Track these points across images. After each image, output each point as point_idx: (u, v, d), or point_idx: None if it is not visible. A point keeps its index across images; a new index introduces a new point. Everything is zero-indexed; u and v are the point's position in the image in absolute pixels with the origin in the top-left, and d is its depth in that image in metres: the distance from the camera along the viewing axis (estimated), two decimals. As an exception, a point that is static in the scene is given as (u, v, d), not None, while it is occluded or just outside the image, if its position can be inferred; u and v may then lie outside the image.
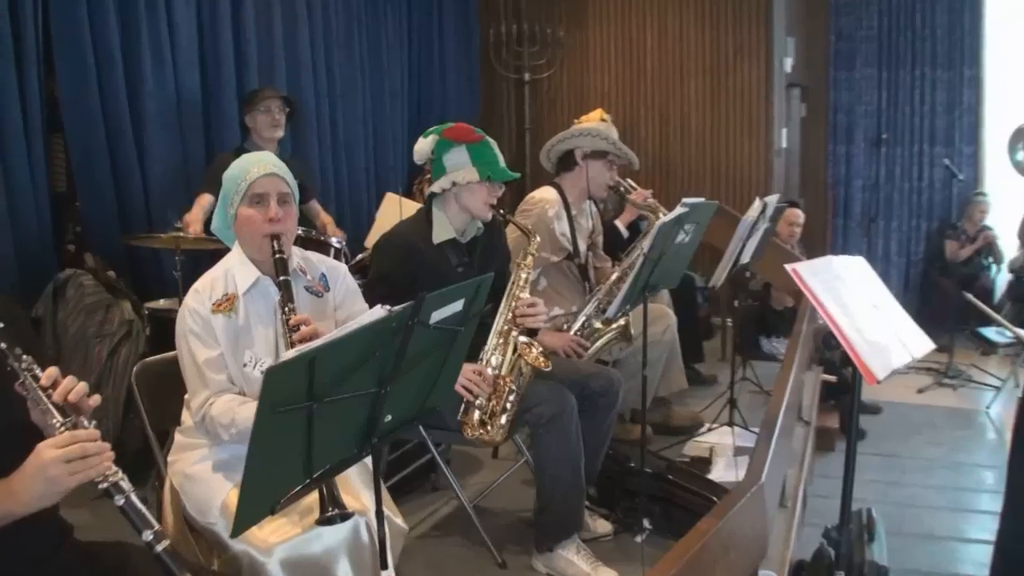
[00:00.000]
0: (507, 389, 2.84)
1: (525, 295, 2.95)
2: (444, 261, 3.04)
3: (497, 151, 3.02)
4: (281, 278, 2.27)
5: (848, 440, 2.45)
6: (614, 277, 3.83)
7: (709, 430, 4.23)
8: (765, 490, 2.45)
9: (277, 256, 2.30)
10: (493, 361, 2.90)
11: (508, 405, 2.85)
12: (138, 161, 4.39)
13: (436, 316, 1.70)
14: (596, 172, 3.89)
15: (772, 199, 4.03)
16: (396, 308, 1.60)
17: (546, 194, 3.88)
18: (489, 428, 2.86)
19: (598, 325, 3.81)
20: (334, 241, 3.90)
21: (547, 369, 2.86)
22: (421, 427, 3.08)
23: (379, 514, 1.91)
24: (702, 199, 2.93)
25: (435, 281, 3.01)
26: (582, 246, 3.95)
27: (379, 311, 1.58)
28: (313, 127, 5.50)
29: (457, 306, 1.76)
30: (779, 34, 6.75)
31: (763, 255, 4.69)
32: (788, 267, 2.08)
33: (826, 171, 7.78)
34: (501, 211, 3.05)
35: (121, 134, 4.31)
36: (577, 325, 3.81)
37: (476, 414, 2.87)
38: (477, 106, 7.30)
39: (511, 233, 3.77)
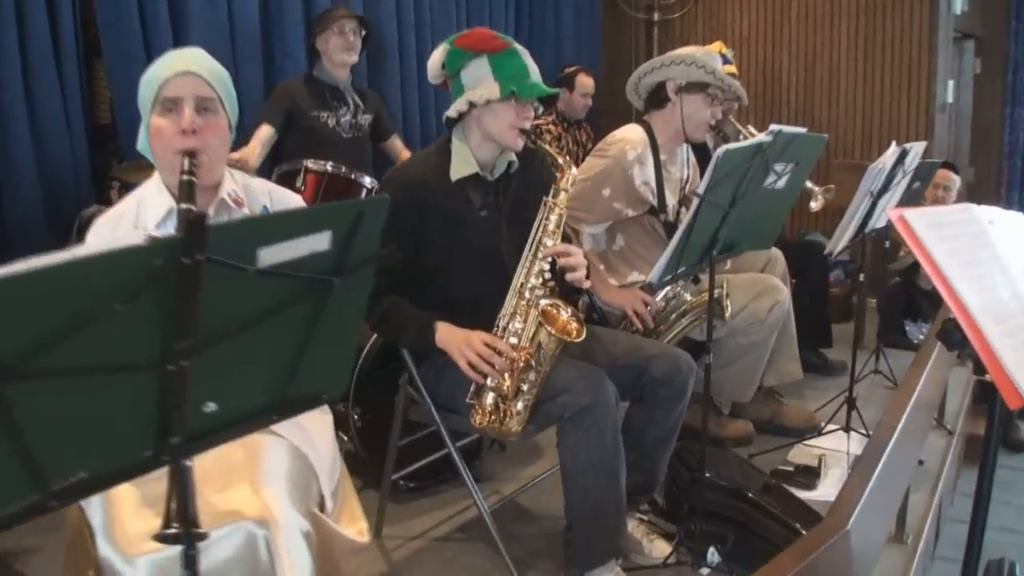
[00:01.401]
0: (523, 365, 2.18)
1: (551, 242, 2.27)
2: (462, 203, 2.40)
3: (528, 61, 2.35)
4: (182, 206, 1.68)
5: (983, 464, 1.68)
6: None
7: (822, 432, 3.42)
8: (852, 538, 1.72)
9: (184, 178, 1.72)
10: (512, 329, 2.24)
11: (524, 387, 2.19)
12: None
13: (268, 255, 1.07)
14: (693, 109, 3.14)
15: (917, 147, 3.15)
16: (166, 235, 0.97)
17: (629, 133, 3.16)
18: (503, 416, 2.21)
19: (688, 296, 3.09)
20: (366, 181, 3.32)
21: (578, 340, 2.18)
22: (433, 409, 2.46)
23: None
24: (803, 129, 2.14)
25: (450, 228, 2.39)
26: (671, 199, 3.21)
27: (137, 236, 0.96)
28: (395, 62, 4.91)
29: (316, 242, 1.12)
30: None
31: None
32: (891, 212, 1.32)
33: (1001, 137, 6.66)
34: (532, 136, 2.36)
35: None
36: (661, 295, 3.09)
37: (489, 397, 2.23)
38: (597, 49, 6.53)
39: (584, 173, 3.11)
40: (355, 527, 1.95)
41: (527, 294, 2.24)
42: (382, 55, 4.76)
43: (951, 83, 6.04)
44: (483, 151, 2.41)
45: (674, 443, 2.58)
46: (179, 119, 1.78)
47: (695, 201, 2.02)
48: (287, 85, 3.89)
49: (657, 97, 3.20)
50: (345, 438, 3.03)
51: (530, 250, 2.27)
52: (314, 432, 1.93)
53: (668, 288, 3.08)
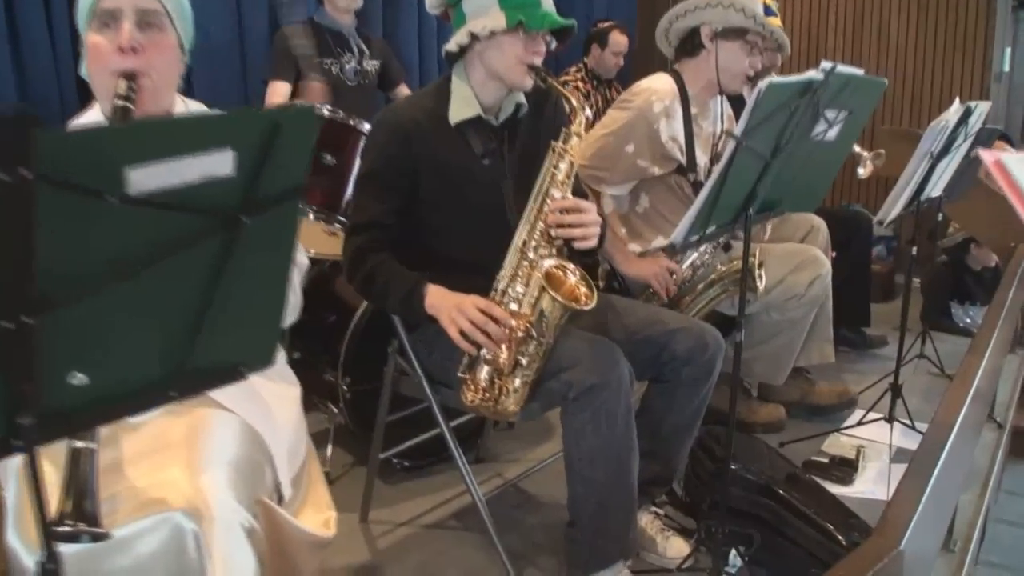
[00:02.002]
0: (523, 335, 1.89)
1: (559, 194, 1.97)
2: (462, 150, 2.10)
3: None
4: None
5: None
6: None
7: (861, 422, 3.10)
8: (906, 558, 1.43)
9: (118, 103, 1.44)
10: (511, 294, 1.95)
11: (524, 359, 1.90)
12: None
13: (142, 178, 0.78)
14: (729, 57, 2.80)
15: (982, 106, 2.80)
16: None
17: (657, 83, 2.84)
18: (499, 393, 1.93)
19: (718, 265, 2.79)
20: (367, 127, 3.02)
21: (587, 308, 1.89)
22: (424, 382, 2.19)
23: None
24: (860, 71, 1.81)
25: (447, 178, 2.09)
26: (701, 157, 2.88)
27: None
28: (413, 8, 4.58)
29: (214, 164, 0.83)
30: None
31: (964, 192, 3.46)
32: (985, 154, 1.02)
33: (1061, 112, 6.18)
34: (543, 75, 2.05)
35: None
36: (688, 263, 2.79)
37: (484, 371, 1.94)
38: (634, 4, 6.12)
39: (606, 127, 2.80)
40: (320, 518, 1.69)
41: (530, 254, 1.95)
42: (397, 1, 4.44)
43: (1008, 51, 5.61)
44: (487, 91, 2.11)
45: (696, 430, 2.29)
46: (117, 35, 1.50)
47: (730, 145, 1.69)
48: (285, 32, 3.60)
49: (690, 44, 2.86)
50: (335, 410, 2.77)
51: (535, 203, 1.97)
52: (275, 407, 1.66)
53: (695, 255, 2.78)
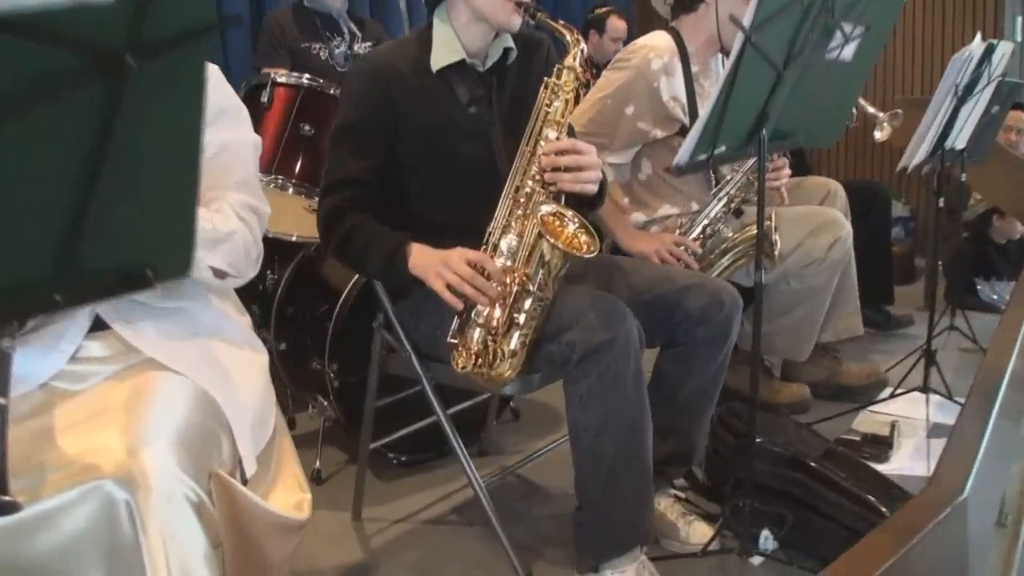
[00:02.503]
0: (518, 289, 1.69)
1: (554, 135, 1.77)
2: (445, 97, 1.91)
3: None
4: None
5: None
6: (751, 161, 2.56)
7: (893, 395, 2.88)
8: (970, 507, 1.22)
9: None
10: (504, 246, 1.75)
11: (520, 317, 1.70)
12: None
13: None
14: (731, 9, 2.60)
15: (1004, 46, 2.58)
16: None
17: (653, 39, 2.64)
18: (492, 358, 1.72)
19: (729, 233, 2.59)
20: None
21: (589, 255, 1.69)
22: (414, 358, 1.99)
23: None
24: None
25: (429, 129, 1.90)
26: (707, 118, 2.68)
27: None
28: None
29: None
30: None
31: (985, 154, 3.25)
32: None
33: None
34: (532, 10, 1.86)
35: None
36: (696, 231, 2.59)
37: (476, 333, 1.73)
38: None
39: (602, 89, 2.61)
40: (292, 499, 1.48)
41: (523, 200, 1.75)
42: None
43: (1020, 20, 5.43)
44: (471, 34, 1.92)
45: (715, 399, 2.07)
46: None
47: (737, 40, 1.49)
48: (272, 17, 3.44)
49: None
50: (324, 402, 2.57)
51: (527, 144, 1.77)
52: (237, 373, 1.46)
53: (706, 222, 2.58)
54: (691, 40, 2.66)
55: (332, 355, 2.44)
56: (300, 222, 2.67)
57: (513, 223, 1.74)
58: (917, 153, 2.48)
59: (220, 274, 1.41)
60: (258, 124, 2.55)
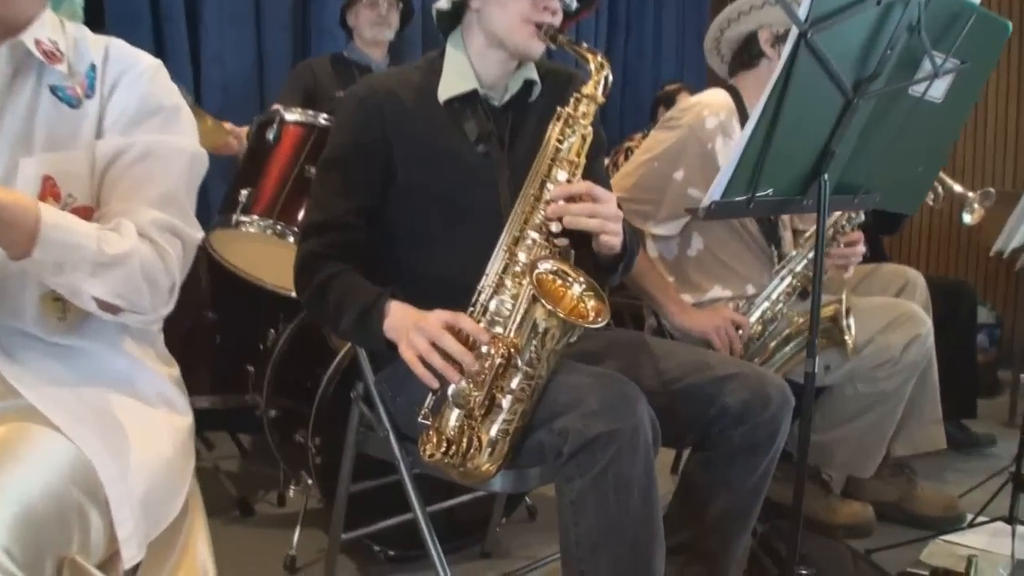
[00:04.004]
0: (504, 363, 1.36)
1: (565, 176, 1.47)
2: (451, 132, 1.63)
3: None
4: None
5: None
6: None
7: (972, 524, 2.45)
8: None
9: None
10: (494, 308, 1.43)
11: (504, 400, 1.37)
12: (191, 63, 3.32)
13: None
14: (798, 67, 2.30)
15: None
16: None
17: (709, 97, 2.36)
18: (466, 446, 1.39)
19: (796, 318, 2.25)
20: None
21: (595, 326, 1.36)
22: (394, 440, 1.67)
23: None
24: None
25: (429, 167, 1.61)
26: (769, 189, 2.36)
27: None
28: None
29: None
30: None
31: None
32: None
33: None
34: (554, 34, 1.58)
35: (171, 25, 3.25)
36: (756, 315, 2.26)
37: (453, 415, 1.41)
38: (704, 70, 5.68)
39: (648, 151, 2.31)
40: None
41: (522, 256, 1.44)
42: (430, 33, 4.05)
43: None
44: (487, 62, 1.66)
45: (754, 517, 1.71)
46: None
47: (790, 36, 1.16)
48: (309, 63, 3.28)
49: (747, 53, 2.38)
50: (309, 481, 2.26)
51: (532, 186, 1.47)
52: (138, 436, 1.17)
53: (767, 304, 2.25)
54: (751, 98, 2.36)
55: (317, 428, 2.14)
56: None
57: (508, 281, 1.43)
58: (1017, 234, 2.10)
59: (109, 307, 1.13)
60: (262, 164, 2.30)
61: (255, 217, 2.24)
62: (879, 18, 1.16)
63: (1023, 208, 2.17)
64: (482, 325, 1.41)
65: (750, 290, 2.33)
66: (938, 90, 1.32)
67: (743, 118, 2.32)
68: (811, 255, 2.23)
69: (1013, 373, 4.17)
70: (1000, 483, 2.47)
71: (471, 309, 1.45)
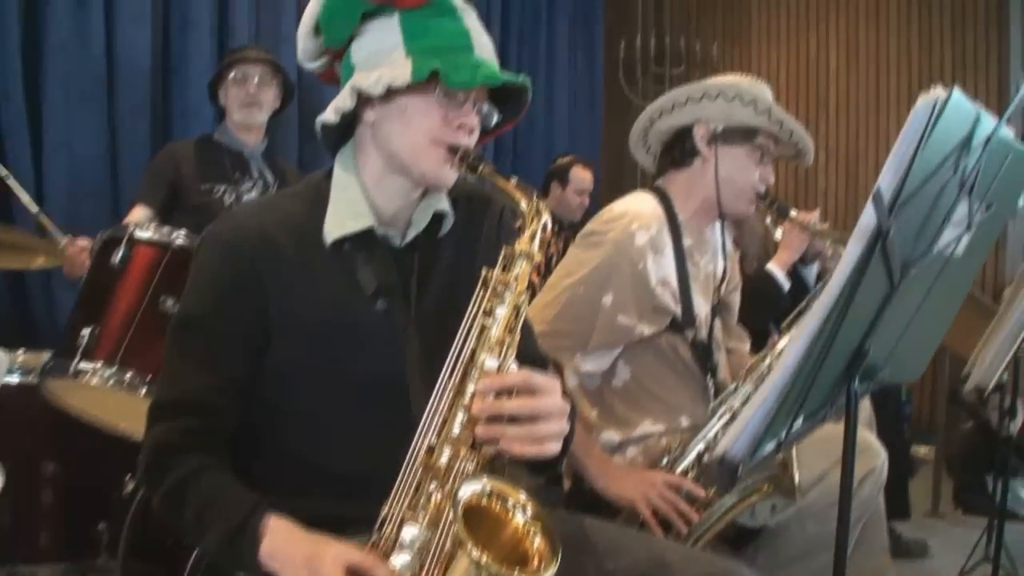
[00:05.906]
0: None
1: (494, 364, 1.13)
2: (340, 281, 1.29)
3: (472, 24, 1.30)
4: None
5: None
6: (764, 367, 1.98)
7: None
8: None
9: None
10: (408, 538, 1.08)
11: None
12: (31, 147, 2.89)
13: None
14: (733, 167, 2.03)
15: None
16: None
17: (637, 204, 2.07)
18: None
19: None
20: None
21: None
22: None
23: None
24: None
25: (314, 326, 1.22)
26: (702, 306, 2.08)
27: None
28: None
29: None
30: (1018, 41, 4.71)
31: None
32: None
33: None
34: (473, 162, 1.26)
35: (8, 104, 2.83)
36: (690, 457, 1.95)
37: None
38: (597, 138, 5.55)
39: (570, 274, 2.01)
40: None
41: (438, 472, 1.09)
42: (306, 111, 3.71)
43: None
44: (385, 190, 1.33)
45: None
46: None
47: (861, 232, 0.84)
48: (172, 148, 2.89)
49: (678, 150, 2.10)
50: None
51: (450, 376, 1.14)
52: None
53: (701, 446, 1.97)
54: (682, 204, 2.09)
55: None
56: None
57: (421, 506, 1.08)
58: (997, 369, 1.88)
59: None
60: (106, 294, 1.89)
61: (99, 364, 1.83)
62: (943, 185, 0.88)
63: (1002, 342, 1.95)
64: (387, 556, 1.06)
65: (684, 423, 2.04)
66: (960, 244, 1.06)
67: (673, 228, 2.05)
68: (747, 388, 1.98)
69: (936, 452, 4.05)
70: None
71: (375, 536, 1.09)
